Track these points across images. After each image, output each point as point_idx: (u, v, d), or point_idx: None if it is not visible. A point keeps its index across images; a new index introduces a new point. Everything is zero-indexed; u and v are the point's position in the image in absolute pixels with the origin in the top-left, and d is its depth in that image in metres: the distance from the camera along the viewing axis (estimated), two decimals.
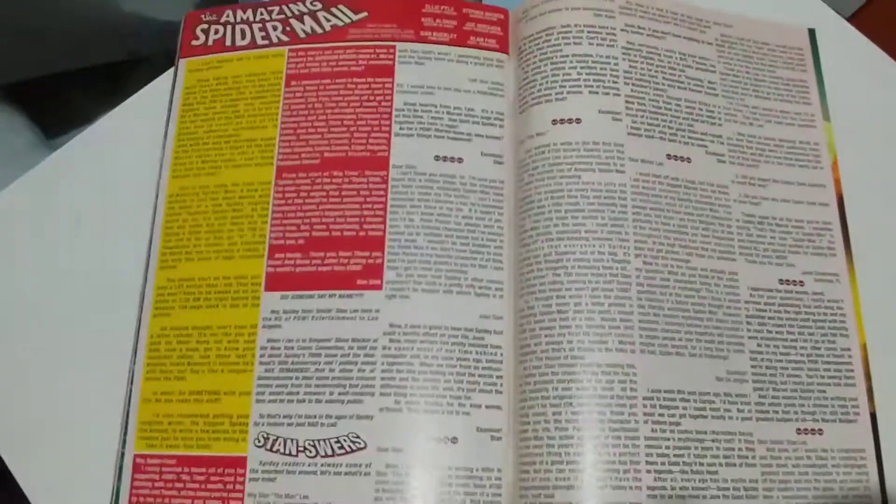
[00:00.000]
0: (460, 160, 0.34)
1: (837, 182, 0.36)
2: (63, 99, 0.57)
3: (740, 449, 0.30)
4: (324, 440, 0.30)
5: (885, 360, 0.33)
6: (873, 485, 0.31)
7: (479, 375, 0.31)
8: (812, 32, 0.39)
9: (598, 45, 0.34)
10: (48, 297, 0.35)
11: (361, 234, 0.33)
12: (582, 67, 0.34)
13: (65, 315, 0.34)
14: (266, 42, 0.37)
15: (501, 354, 0.31)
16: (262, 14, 0.37)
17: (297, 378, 0.31)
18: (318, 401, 0.30)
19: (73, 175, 0.37)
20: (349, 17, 0.36)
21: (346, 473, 0.29)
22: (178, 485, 0.30)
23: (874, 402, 0.32)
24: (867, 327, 0.33)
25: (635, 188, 0.32)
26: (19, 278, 0.35)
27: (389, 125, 0.34)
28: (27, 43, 0.50)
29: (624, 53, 0.34)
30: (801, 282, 0.33)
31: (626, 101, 0.34)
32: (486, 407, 0.30)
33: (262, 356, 0.31)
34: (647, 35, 0.35)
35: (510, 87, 0.35)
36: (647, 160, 0.33)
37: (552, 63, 0.34)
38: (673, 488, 0.29)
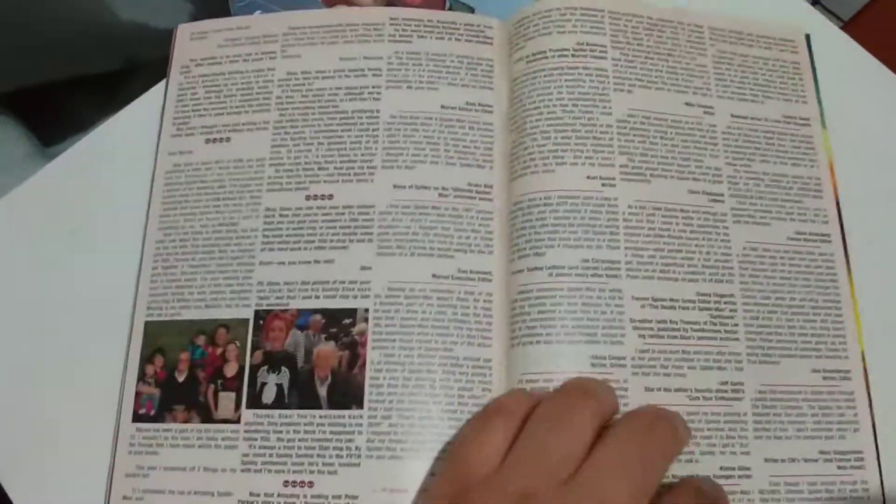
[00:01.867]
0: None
1: (834, 188, 0.35)
2: (60, 107, 0.57)
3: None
4: None
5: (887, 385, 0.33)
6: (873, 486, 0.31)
7: None
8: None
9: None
10: (41, 312, 0.35)
11: None
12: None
13: (58, 330, 0.34)
14: None
15: None
16: None
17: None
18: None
19: (68, 188, 0.37)
20: None
21: None
22: None
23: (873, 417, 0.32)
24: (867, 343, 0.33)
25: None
26: (13, 292, 0.35)
27: None
28: (24, 51, 0.50)
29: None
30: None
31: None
32: None
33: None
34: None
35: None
36: None
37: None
38: None
